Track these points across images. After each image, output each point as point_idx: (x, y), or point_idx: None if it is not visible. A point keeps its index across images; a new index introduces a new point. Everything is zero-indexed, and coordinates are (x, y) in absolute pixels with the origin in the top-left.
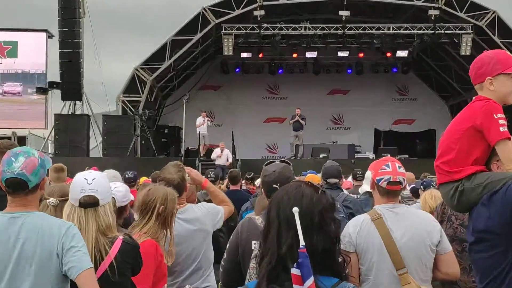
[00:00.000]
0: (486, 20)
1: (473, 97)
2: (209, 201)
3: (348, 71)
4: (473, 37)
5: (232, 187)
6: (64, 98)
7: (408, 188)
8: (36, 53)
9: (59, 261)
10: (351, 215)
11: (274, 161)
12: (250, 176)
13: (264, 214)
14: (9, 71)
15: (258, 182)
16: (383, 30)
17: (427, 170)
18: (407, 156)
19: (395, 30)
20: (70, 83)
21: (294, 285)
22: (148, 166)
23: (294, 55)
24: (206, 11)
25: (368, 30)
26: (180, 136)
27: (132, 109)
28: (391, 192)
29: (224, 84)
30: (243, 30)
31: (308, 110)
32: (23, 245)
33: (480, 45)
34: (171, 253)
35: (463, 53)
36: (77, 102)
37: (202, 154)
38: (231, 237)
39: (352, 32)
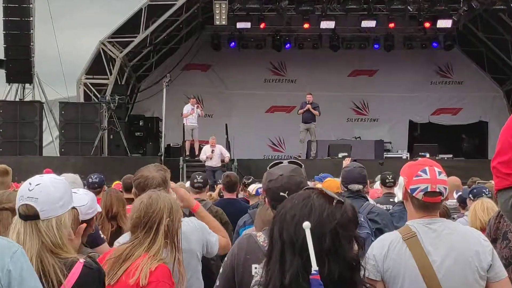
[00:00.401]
0: None
1: None
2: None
3: (375, 46)
4: None
5: (226, 195)
6: (9, 80)
7: (455, 195)
8: None
9: None
10: (379, 231)
11: (281, 162)
12: (249, 181)
13: (268, 231)
14: None
15: (252, 188)
16: None
17: (477, 174)
18: (451, 156)
19: None
20: (17, 60)
21: None
22: (118, 168)
23: (306, 26)
24: None
25: None
26: (159, 130)
27: (97, 94)
28: (429, 205)
29: (215, 62)
30: None
31: (323, 96)
32: None
33: None
34: (182, 275)
35: None
36: (27, 85)
37: (188, 153)
38: (225, 259)
39: None
